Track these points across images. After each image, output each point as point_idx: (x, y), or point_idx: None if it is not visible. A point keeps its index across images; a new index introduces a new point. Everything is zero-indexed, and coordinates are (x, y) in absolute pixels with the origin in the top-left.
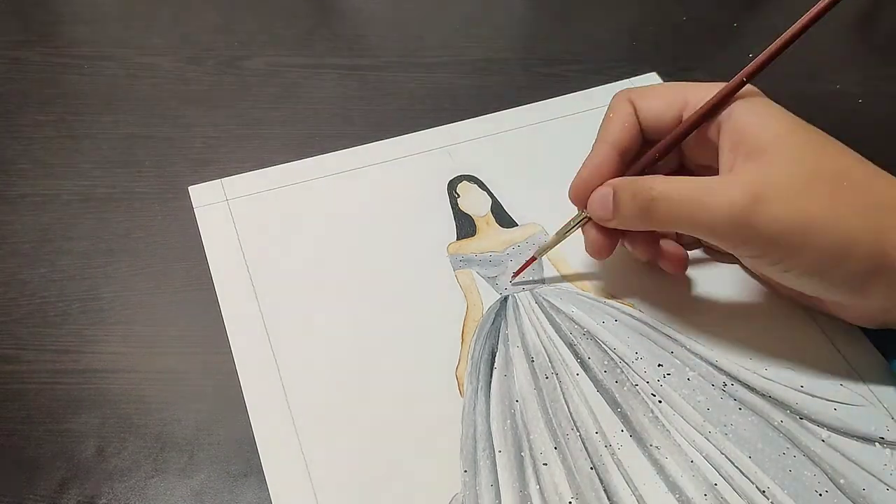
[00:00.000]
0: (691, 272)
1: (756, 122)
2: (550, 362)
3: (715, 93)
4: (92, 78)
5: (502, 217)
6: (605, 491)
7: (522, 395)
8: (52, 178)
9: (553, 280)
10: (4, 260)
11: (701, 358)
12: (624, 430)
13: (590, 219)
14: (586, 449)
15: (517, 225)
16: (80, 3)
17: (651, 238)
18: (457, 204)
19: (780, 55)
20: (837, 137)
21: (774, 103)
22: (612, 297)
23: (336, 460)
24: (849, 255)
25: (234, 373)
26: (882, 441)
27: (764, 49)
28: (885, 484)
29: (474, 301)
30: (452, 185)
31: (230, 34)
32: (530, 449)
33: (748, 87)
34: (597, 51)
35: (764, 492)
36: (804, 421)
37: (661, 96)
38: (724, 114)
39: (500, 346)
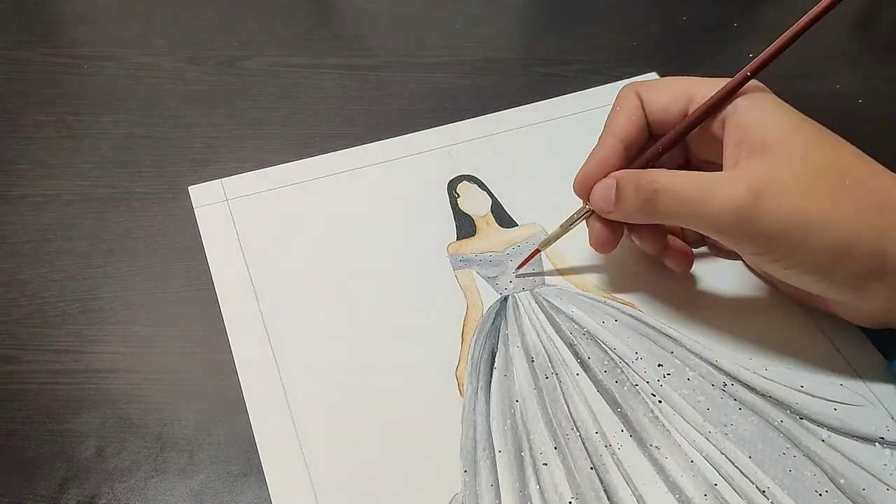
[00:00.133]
0: (691, 272)
1: (760, 118)
2: (550, 362)
3: (720, 88)
4: (92, 78)
5: (502, 217)
6: (605, 491)
7: (522, 395)
8: (52, 178)
9: (553, 280)
10: (4, 260)
11: (701, 358)
12: (624, 430)
13: (594, 212)
14: (586, 449)
15: (517, 225)
16: (80, 3)
17: (658, 233)
18: (457, 204)
19: (784, 51)
20: None
21: (779, 99)
22: (612, 297)
23: (336, 460)
24: (850, 254)
25: (234, 373)
26: (882, 441)
27: (766, 48)
28: (885, 484)
29: (474, 301)
30: (452, 185)
31: (230, 34)
32: (530, 449)
33: (754, 82)
34: (597, 51)
35: (764, 492)
36: (804, 421)
37: (667, 90)
38: (729, 109)
39: (500, 346)
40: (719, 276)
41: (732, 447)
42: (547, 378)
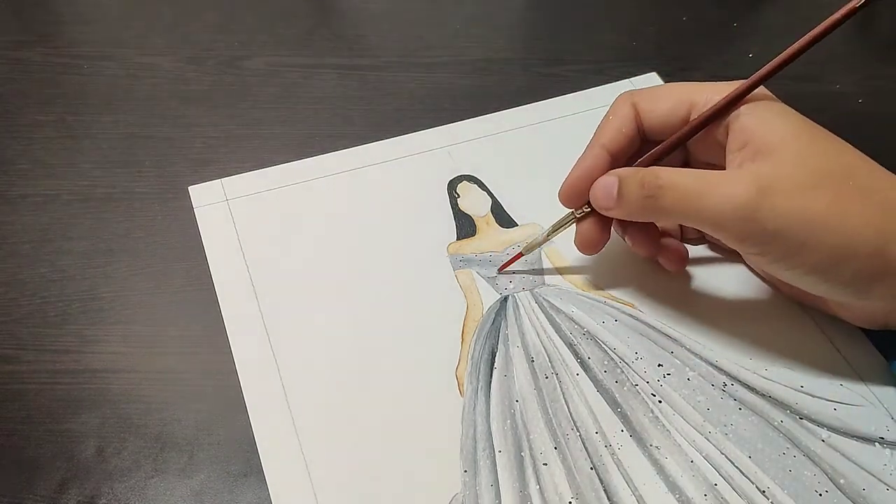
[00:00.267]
0: (691, 272)
1: (764, 124)
2: (550, 362)
3: (723, 94)
4: (92, 78)
5: (502, 217)
6: (605, 491)
7: (522, 395)
8: (52, 178)
9: (553, 280)
10: (4, 260)
11: (701, 358)
12: (624, 430)
13: (579, 219)
14: (586, 449)
15: (517, 225)
16: (80, 3)
17: (652, 234)
18: (457, 204)
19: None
20: None
21: (783, 104)
22: (612, 297)
23: (336, 460)
24: (853, 256)
25: (234, 373)
26: (882, 441)
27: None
28: (885, 484)
29: (474, 301)
30: (452, 185)
31: (230, 34)
32: (530, 449)
33: (759, 87)
34: (597, 51)
35: (764, 492)
36: (804, 421)
37: (666, 98)
38: (732, 115)
39: (500, 346)
40: (719, 276)
41: (732, 447)
42: (547, 378)
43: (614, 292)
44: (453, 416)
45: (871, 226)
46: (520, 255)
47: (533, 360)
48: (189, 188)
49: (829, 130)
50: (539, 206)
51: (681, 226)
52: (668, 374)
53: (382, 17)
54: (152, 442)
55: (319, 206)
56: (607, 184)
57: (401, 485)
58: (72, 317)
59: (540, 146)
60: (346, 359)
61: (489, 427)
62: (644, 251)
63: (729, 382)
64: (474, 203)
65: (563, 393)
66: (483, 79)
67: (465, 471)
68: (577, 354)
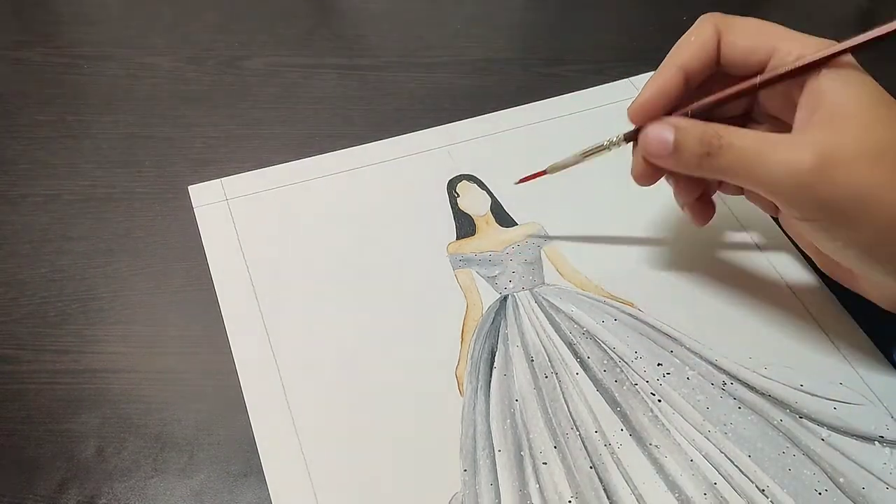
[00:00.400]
0: (690, 272)
1: (841, 91)
2: (550, 362)
3: (810, 50)
4: (92, 78)
5: (502, 216)
6: (604, 490)
7: (522, 395)
8: (52, 178)
9: (553, 279)
10: (4, 260)
11: (700, 357)
12: (623, 429)
13: (618, 146)
14: (586, 448)
15: (517, 224)
16: (80, 3)
17: (700, 184)
18: (456, 204)
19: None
20: None
21: (866, 76)
22: (612, 296)
23: (336, 460)
24: None
25: (234, 373)
26: (881, 440)
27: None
28: (885, 483)
29: (474, 300)
30: (452, 185)
31: (230, 34)
32: (530, 448)
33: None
34: (597, 51)
35: (763, 491)
36: (804, 420)
37: (751, 35)
38: (812, 74)
39: (500, 345)
40: (719, 275)
41: (732, 446)
42: (546, 377)
43: (614, 292)
44: (453, 416)
45: None
46: (543, 172)
47: (532, 360)
48: (189, 188)
49: None
50: (539, 205)
51: None
52: (668, 374)
53: (382, 17)
54: (152, 442)
55: (319, 205)
56: (663, 132)
57: (401, 484)
58: (71, 317)
59: (540, 146)
60: (346, 358)
61: (489, 426)
62: (685, 198)
63: (728, 381)
64: (474, 202)
65: (562, 392)
66: (483, 79)
67: (465, 470)
68: (576, 354)
